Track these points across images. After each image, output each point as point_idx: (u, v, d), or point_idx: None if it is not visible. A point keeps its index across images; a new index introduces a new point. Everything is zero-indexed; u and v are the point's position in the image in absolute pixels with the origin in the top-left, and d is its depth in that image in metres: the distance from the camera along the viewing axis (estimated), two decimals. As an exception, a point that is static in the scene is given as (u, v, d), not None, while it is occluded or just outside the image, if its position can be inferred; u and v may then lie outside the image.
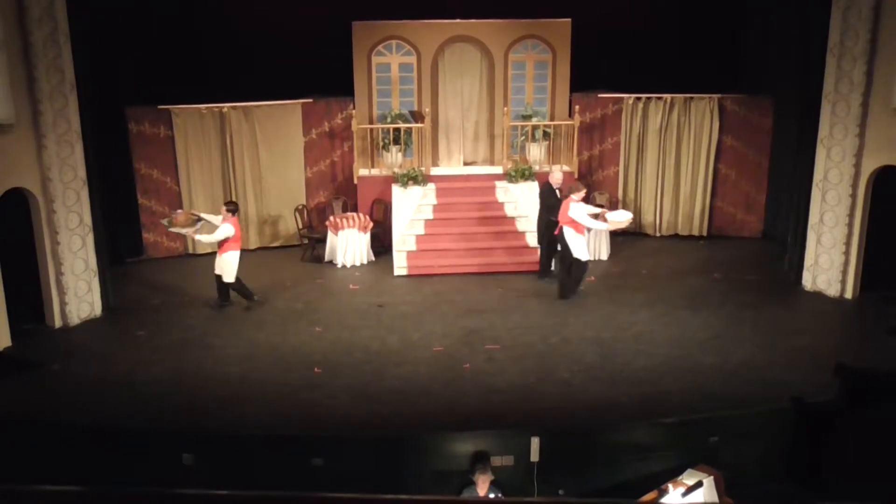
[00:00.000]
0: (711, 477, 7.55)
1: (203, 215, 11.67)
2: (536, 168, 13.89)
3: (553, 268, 12.42)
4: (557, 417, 8.26)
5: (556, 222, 11.66)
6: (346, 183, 14.31)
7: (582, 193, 11.52)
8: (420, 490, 7.78)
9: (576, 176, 13.87)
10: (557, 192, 12.20)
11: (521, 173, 13.67)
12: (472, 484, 7.41)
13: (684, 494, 7.36)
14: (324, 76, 13.68)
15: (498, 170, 14.02)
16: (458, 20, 14.07)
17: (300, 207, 14.08)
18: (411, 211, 13.33)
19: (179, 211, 12.07)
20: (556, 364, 9.42)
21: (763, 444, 8.27)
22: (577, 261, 11.38)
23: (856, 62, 10.74)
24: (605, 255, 13.56)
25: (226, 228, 11.04)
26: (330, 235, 13.45)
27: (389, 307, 11.36)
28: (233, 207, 11.39)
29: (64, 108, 10.30)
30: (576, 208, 11.29)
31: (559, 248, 11.67)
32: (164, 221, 11.66)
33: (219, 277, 11.28)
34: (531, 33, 14.12)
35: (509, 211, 13.46)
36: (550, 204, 12.12)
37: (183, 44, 13.40)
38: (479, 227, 13.28)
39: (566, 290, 11.51)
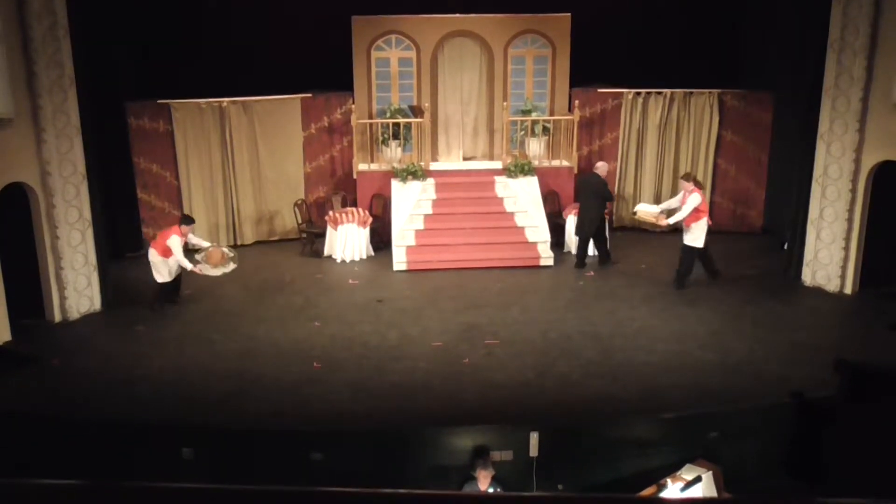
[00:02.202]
0: (710, 472, 7.58)
1: (200, 243, 11.40)
2: (536, 163, 13.89)
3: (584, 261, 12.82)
4: (557, 413, 8.26)
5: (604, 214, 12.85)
6: (345, 178, 14.30)
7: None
8: (419, 485, 7.79)
9: (575, 171, 13.89)
10: None
11: (520, 168, 13.66)
12: (474, 479, 7.42)
13: (683, 489, 7.38)
14: (323, 71, 13.69)
15: (497, 165, 14.00)
16: (457, 15, 14.05)
17: (299, 202, 14.07)
18: (411, 206, 13.31)
19: (213, 246, 11.52)
20: (556, 359, 9.43)
21: (762, 440, 8.27)
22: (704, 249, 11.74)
23: (856, 57, 10.72)
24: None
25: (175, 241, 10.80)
26: (329, 230, 13.44)
27: (389, 302, 11.35)
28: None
29: (63, 102, 10.29)
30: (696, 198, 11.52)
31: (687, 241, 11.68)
32: (200, 258, 11.03)
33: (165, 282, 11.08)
34: (531, 28, 14.09)
35: (508, 206, 13.44)
36: (606, 196, 12.78)
37: (182, 38, 13.37)
38: (478, 222, 13.25)
39: (714, 275, 11.88)
